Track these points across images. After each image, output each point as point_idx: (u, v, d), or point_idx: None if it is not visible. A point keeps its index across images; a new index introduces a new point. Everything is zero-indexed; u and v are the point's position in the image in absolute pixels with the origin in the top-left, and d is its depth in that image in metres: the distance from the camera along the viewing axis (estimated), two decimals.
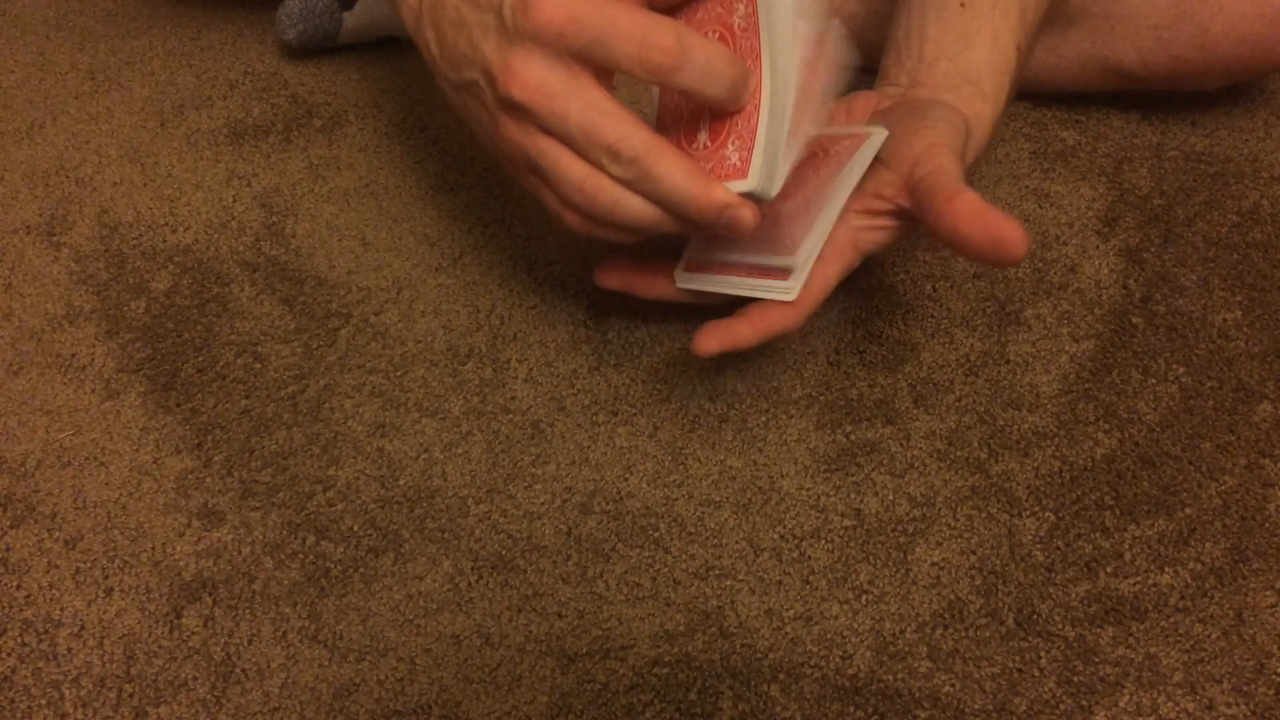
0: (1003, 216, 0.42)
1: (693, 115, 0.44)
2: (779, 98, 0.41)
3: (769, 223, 0.48)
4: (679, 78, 0.39)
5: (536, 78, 0.40)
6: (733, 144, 0.42)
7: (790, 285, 0.47)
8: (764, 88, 0.41)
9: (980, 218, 0.42)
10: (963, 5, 0.51)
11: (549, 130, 0.41)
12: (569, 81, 0.40)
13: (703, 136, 0.44)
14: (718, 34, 0.43)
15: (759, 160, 0.41)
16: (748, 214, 0.41)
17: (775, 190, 0.42)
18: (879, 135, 0.49)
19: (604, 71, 0.41)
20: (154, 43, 0.78)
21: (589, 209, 0.43)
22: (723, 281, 0.50)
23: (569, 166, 0.42)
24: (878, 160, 0.49)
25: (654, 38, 0.38)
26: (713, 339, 0.48)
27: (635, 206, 0.42)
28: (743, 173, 0.41)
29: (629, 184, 0.41)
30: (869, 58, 0.55)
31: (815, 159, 0.49)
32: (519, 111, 0.41)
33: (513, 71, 0.40)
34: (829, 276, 0.49)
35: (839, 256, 0.49)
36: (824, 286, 0.49)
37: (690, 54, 0.39)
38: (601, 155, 0.40)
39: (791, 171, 0.43)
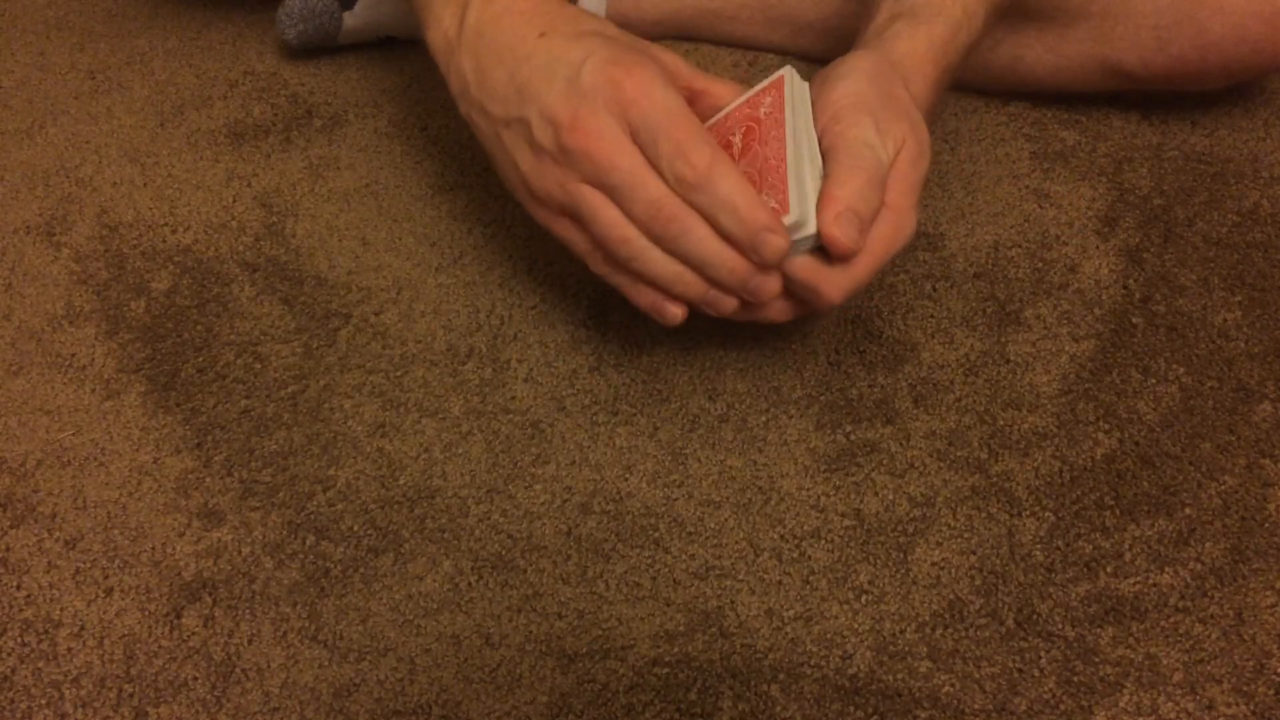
0: (842, 230, 0.44)
1: None
2: (809, 153, 0.46)
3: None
4: (695, 196, 0.43)
5: (598, 129, 0.44)
6: (765, 194, 0.46)
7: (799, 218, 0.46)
8: (789, 150, 0.46)
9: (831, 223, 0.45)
10: None
11: (595, 180, 0.45)
12: (625, 140, 0.44)
13: None
14: (745, 127, 0.48)
15: (795, 196, 0.45)
16: (781, 241, 0.44)
17: (813, 224, 0.46)
18: (788, 72, 0.49)
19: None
20: (154, 43, 0.78)
21: (616, 253, 0.46)
22: None
23: (606, 214, 0.45)
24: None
25: (689, 152, 0.43)
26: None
27: (656, 258, 0.46)
28: (783, 210, 0.45)
29: (662, 239, 0.45)
30: None
31: (751, 132, 0.49)
32: (572, 158, 0.45)
33: (579, 122, 0.44)
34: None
35: None
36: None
37: (715, 183, 0.43)
38: (641, 207, 0.44)
39: (741, 154, 0.48)
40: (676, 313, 0.48)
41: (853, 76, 0.48)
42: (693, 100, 0.49)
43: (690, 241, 0.44)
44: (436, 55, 0.51)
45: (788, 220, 0.45)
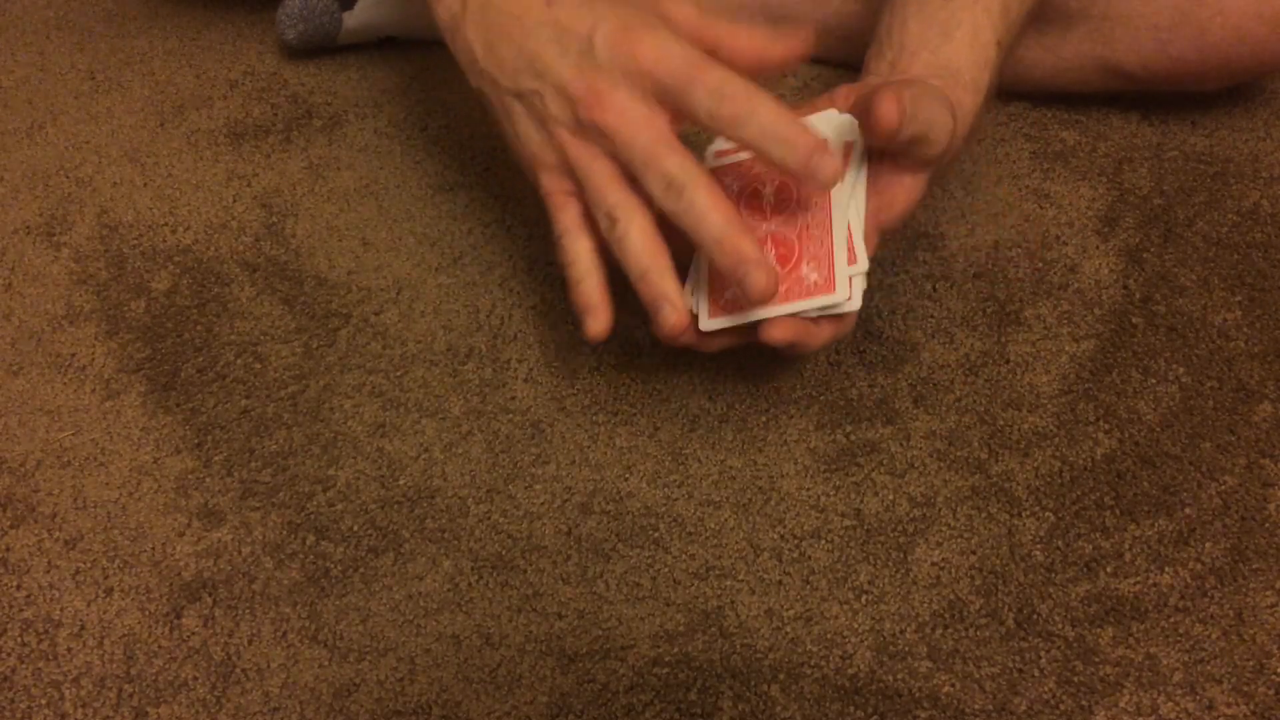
0: (884, 94, 0.44)
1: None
2: (854, 218, 0.47)
3: (793, 267, 0.47)
4: (742, 131, 0.43)
5: (620, 105, 0.43)
6: (808, 265, 0.46)
7: (847, 296, 0.46)
8: (834, 215, 0.46)
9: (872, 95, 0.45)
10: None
11: (614, 153, 0.45)
12: (648, 115, 0.44)
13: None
14: (778, 181, 0.48)
15: (842, 275, 0.45)
16: (762, 277, 0.43)
17: (858, 301, 0.46)
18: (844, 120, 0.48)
19: (675, 117, 0.44)
20: (154, 43, 0.78)
21: (604, 230, 0.46)
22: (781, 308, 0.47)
23: (609, 192, 0.45)
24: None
25: (728, 89, 0.42)
26: (787, 329, 0.47)
27: (635, 238, 0.45)
28: (828, 288, 0.45)
29: (674, 214, 0.44)
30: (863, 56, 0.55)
31: (786, 190, 0.48)
32: (593, 133, 0.45)
33: (599, 97, 0.44)
34: None
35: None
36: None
37: (756, 111, 0.42)
38: (655, 180, 0.44)
39: (774, 210, 0.48)
40: (596, 329, 0.48)
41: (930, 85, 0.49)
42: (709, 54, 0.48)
43: (698, 212, 0.43)
44: (443, 31, 0.50)
45: (833, 299, 0.45)
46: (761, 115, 0.43)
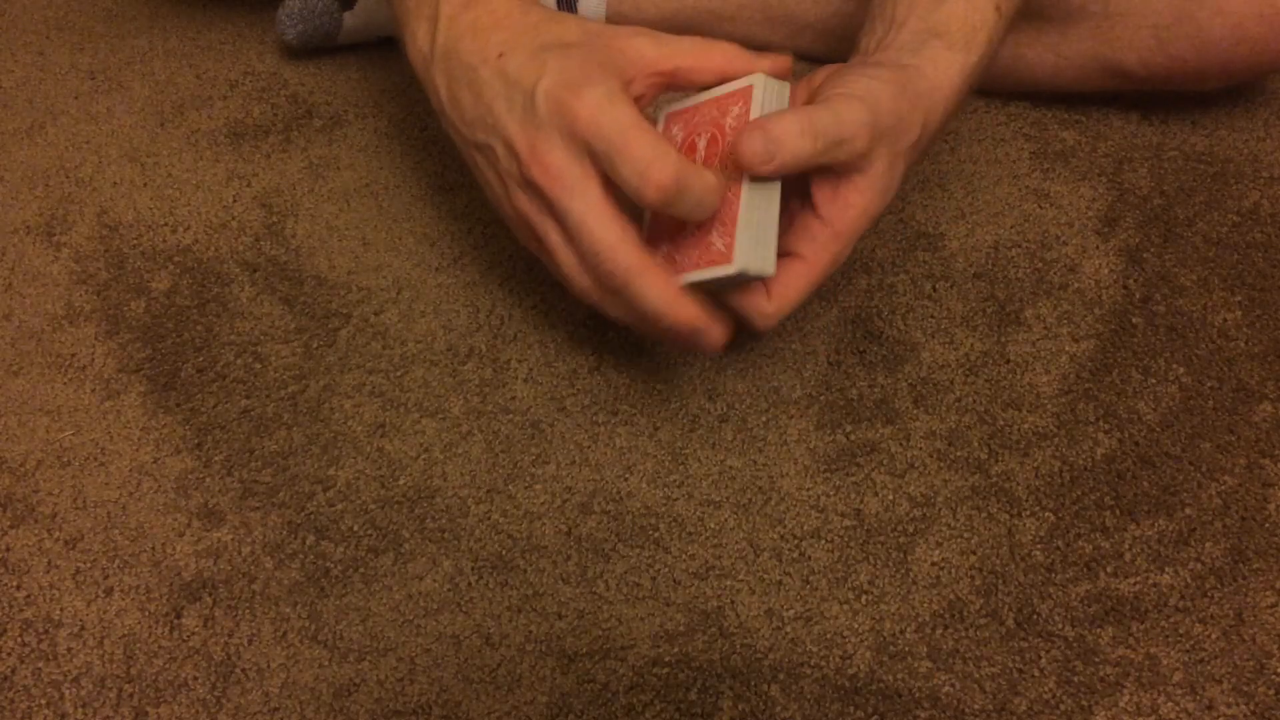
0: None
1: None
2: (767, 187, 0.45)
3: (700, 234, 0.46)
4: (669, 209, 0.43)
5: (556, 166, 0.43)
6: (716, 230, 0.45)
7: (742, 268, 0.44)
8: (745, 180, 0.45)
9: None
10: None
11: (554, 217, 0.45)
12: (581, 179, 0.43)
13: (689, 224, 0.46)
14: (710, 133, 0.47)
15: (742, 243, 0.44)
16: (715, 337, 0.45)
17: (767, 269, 0.45)
18: (758, 82, 0.46)
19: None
20: (154, 43, 0.78)
21: (580, 295, 0.47)
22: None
23: (565, 257, 0.45)
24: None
25: (653, 173, 0.41)
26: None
27: (613, 302, 0.46)
28: (727, 257, 0.44)
29: (610, 290, 0.45)
30: None
31: (715, 144, 0.47)
32: (535, 191, 0.44)
33: (537, 156, 0.43)
34: (813, 273, 0.48)
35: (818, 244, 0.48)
36: (808, 285, 0.48)
37: (685, 191, 0.42)
38: (584, 249, 0.44)
39: (704, 163, 0.47)
40: (714, 340, 0.47)
41: (878, 80, 0.46)
42: (669, 84, 0.47)
43: (630, 295, 0.44)
44: (415, 71, 0.50)
45: (729, 270, 0.44)
46: (692, 193, 0.42)
